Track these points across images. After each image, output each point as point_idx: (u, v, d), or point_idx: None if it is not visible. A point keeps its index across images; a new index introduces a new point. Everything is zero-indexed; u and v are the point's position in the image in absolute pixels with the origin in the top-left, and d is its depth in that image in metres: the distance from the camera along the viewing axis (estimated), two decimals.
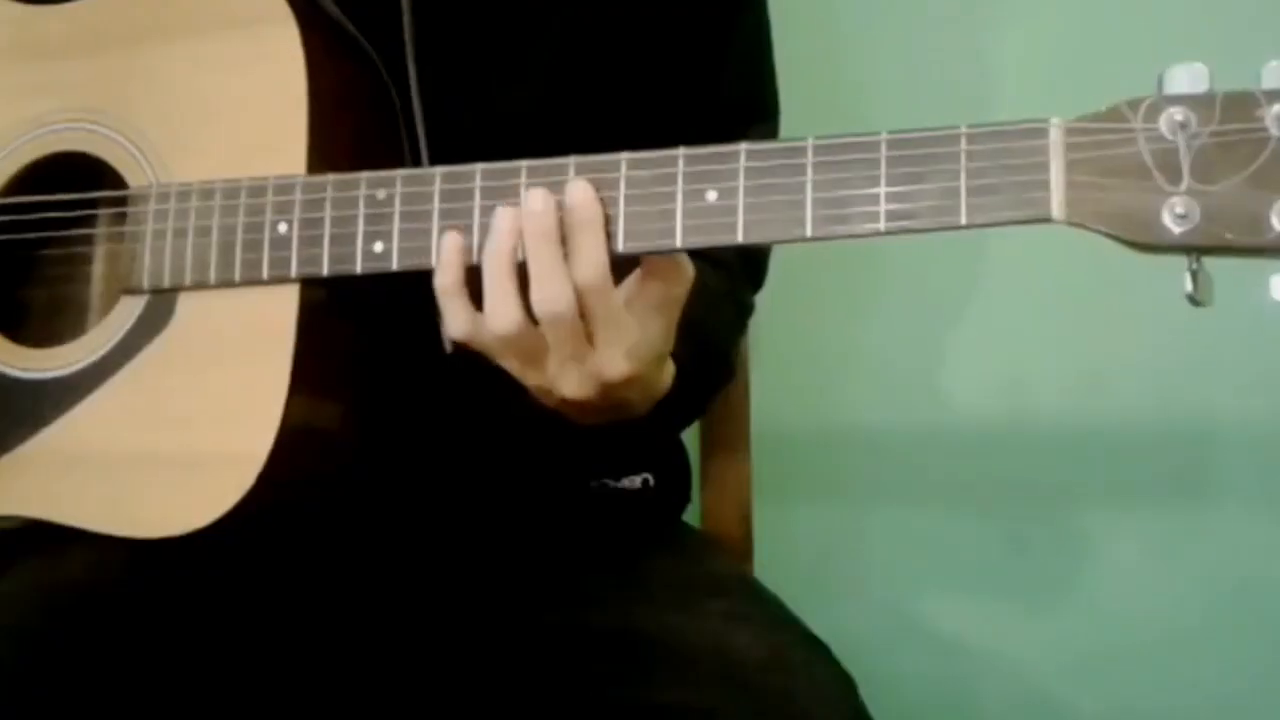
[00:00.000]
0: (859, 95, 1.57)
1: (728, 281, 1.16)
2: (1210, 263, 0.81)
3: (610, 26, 1.13)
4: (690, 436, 1.31)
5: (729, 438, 1.40)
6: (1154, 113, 0.81)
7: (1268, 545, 1.56)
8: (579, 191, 0.90)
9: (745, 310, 1.24)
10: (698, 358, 1.02)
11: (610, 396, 0.95)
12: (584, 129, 0.98)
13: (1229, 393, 1.55)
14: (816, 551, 1.63)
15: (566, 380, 0.94)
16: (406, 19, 1.07)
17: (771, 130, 1.21)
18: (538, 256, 0.90)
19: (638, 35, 1.14)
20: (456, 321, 0.94)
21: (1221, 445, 1.56)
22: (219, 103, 1.03)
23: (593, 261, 0.90)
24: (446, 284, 0.94)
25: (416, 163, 1.05)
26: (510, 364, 0.95)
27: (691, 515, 1.31)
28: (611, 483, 1.20)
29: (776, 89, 1.23)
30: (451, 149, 1.00)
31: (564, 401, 0.96)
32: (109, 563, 1.01)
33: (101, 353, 1.03)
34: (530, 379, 0.96)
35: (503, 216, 0.92)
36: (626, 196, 0.91)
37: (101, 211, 1.08)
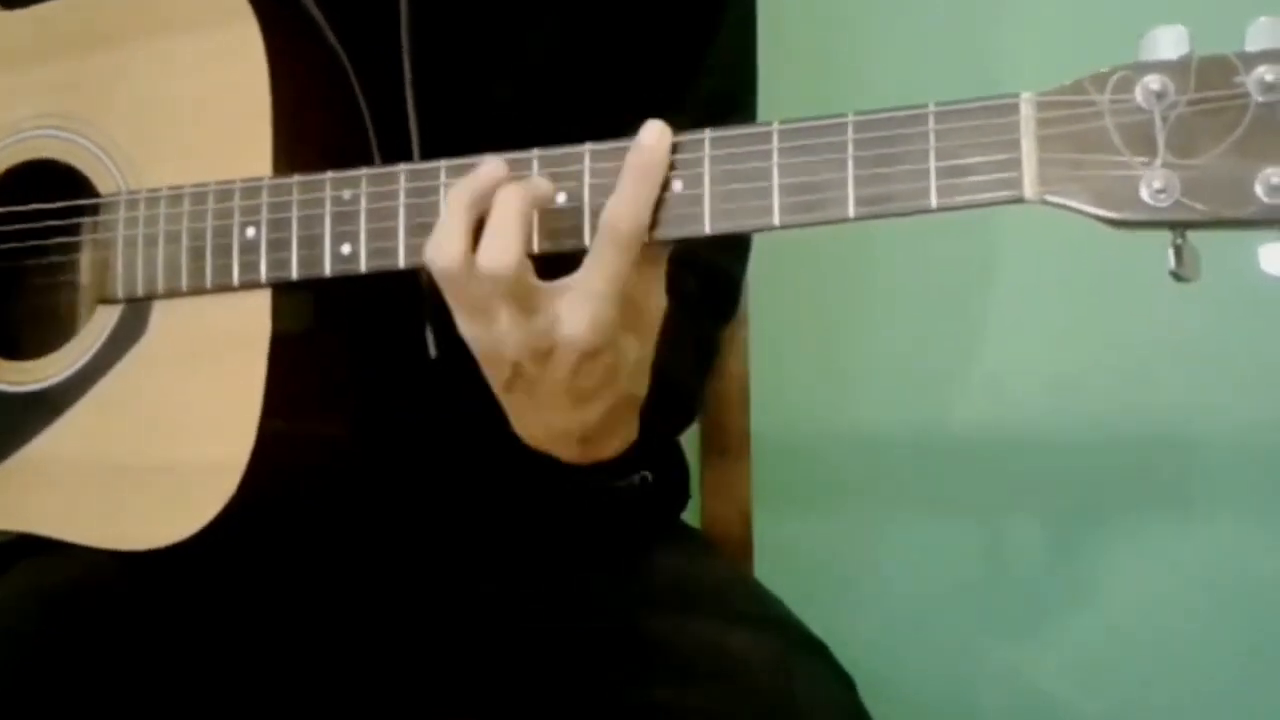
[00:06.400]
0: (855, 80, 1.56)
1: (690, 318, 1.11)
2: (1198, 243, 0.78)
3: (604, 21, 1.12)
4: (690, 439, 1.31)
5: (729, 439, 1.40)
6: (1128, 83, 0.77)
7: (1264, 545, 1.56)
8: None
9: (710, 350, 1.21)
10: (658, 402, 0.98)
11: (578, 387, 0.91)
12: (576, 122, 0.96)
13: (1225, 394, 1.54)
14: (816, 553, 1.63)
15: (513, 337, 0.88)
16: (404, 12, 1.06)
17: (746, 120, 1.17)
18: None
19: (632, 30, 1.12)
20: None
21: (1216, 445, 1.56)
22: (183, 104, 1.02)
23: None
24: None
25: (407, 156, 1.03)
26: (458, 315, 0.90)
27: (691, 517, 1.31)
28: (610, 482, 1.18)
29: (755, 84, 1.20)
30: (443, 141, 0.98)
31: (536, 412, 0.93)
32: (104, 564, 1.01)
33: (79, 365, 1.03)
34: (480, 335, 0.90)
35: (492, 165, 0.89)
36: (591, 188, 0.88)
37: (78, 220, 1.07)
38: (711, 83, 1.15)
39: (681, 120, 0.89)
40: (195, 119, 1.01)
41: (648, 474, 1.18)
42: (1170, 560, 1.58)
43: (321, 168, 0.96)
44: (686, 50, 1.14)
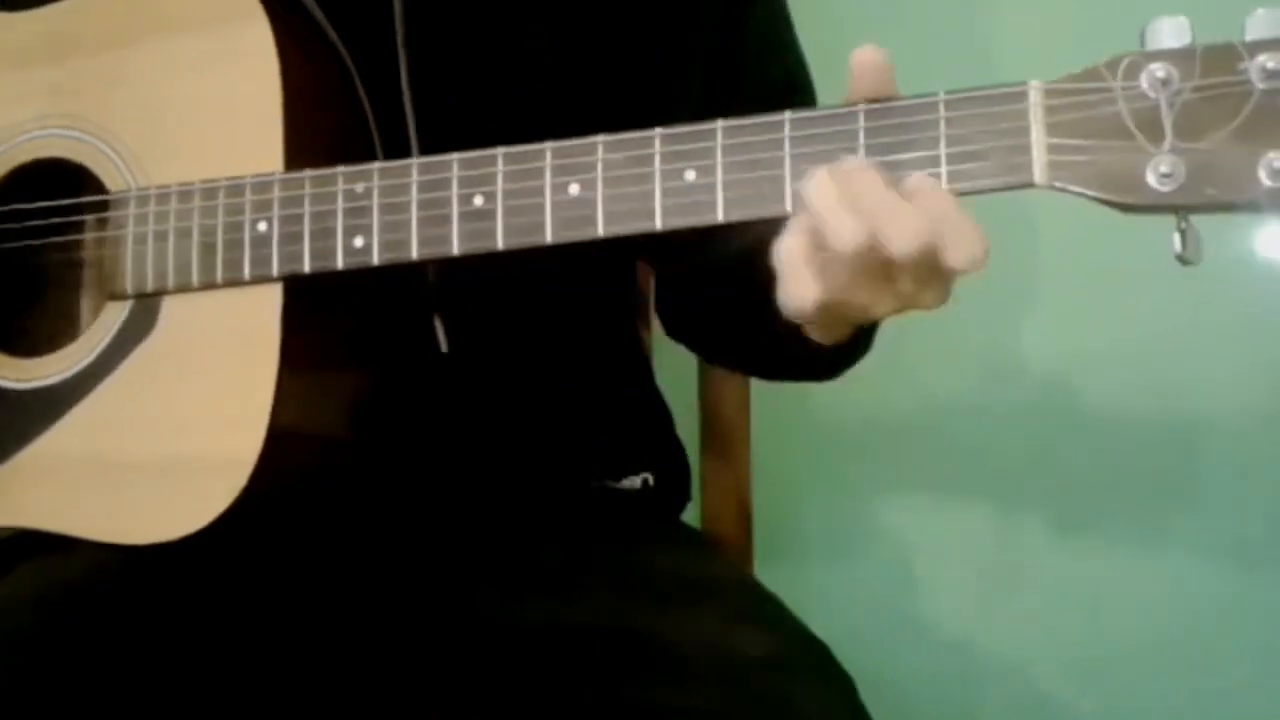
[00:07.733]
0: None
1: None
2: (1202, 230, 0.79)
3: (604, 15, 1.13)
4: (690, 437, 1.31)
5: (729, 438, 1.40)
6: (1134, 70, 0.79)
7: (1265, 544, 1.56)
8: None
9: None
10: None
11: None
12: (575, 118, 0.97)
13: (1226, 393, 1.54)
14: (816, 552, 1.62)
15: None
16: (398, 9, 1.07)
17: (810, 101, 1.16)
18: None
19: (631, 24, 1.13)
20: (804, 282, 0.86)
21: (1220, 444, 1.56)
22: (194, 103, 1.02)
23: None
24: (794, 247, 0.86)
25: (405, 153, 1.04)
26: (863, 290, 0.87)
27: (691, 516, 1.31)
28: (611, 483, 1.19)
29: (805, 66, 1.19)
30: (442, 139, 0.99)
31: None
32: (107, 565, 1.01)
33: (88, 361, 1.03)
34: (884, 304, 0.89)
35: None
36: (604, 179, 0.90)
37: (86, 217, 1.08)
38: (770, 71, 1.15)
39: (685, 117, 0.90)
40: (204, 117, 1.02)
41: (649, 475, 1.20)
42: (1170, 560, 1.58)
43: (327, 164, 0.97)
44: (688, 52, 1.14)
